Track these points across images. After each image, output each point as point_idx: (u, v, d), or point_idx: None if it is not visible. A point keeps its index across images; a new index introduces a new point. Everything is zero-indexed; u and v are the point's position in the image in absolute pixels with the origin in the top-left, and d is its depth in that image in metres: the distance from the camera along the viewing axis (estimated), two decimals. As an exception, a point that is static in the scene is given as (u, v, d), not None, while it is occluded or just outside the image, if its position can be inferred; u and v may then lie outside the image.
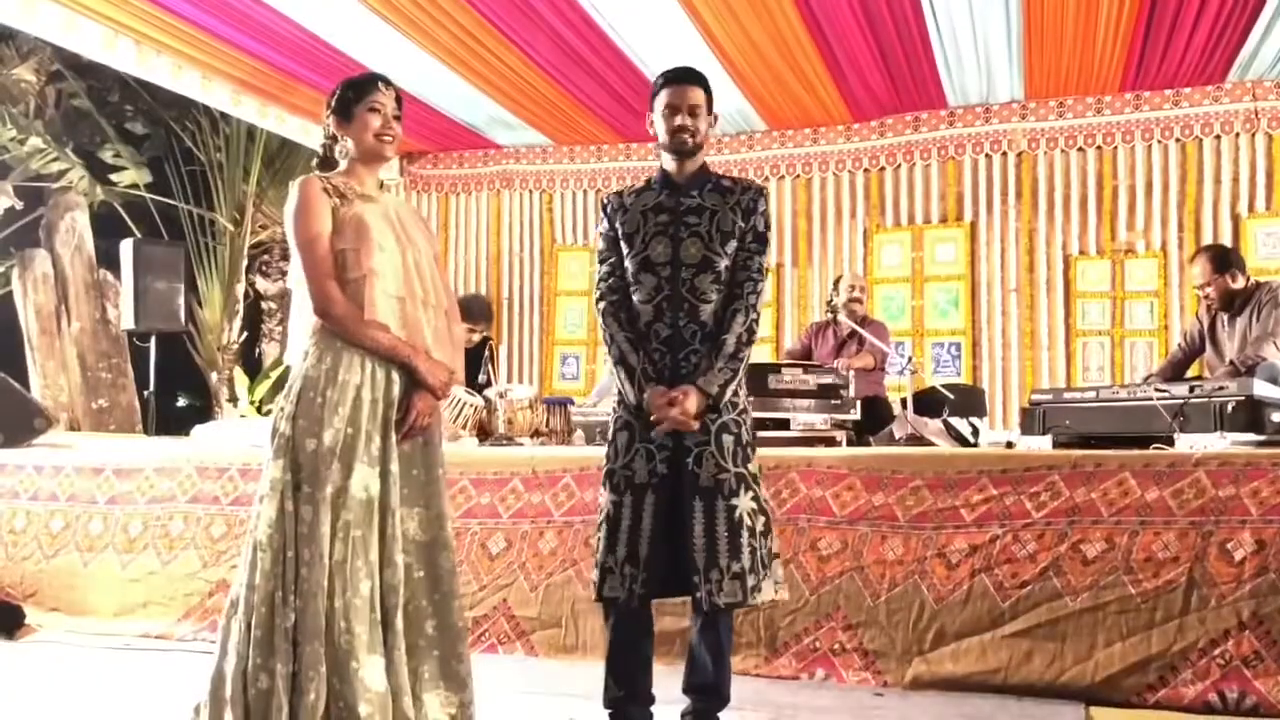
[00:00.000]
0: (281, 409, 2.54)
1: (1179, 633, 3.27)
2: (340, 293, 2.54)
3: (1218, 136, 6.77)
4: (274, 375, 9.90)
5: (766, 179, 7.81)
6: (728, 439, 2.68)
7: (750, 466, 2.71)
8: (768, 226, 2.81)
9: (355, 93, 2.69)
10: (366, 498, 2.49)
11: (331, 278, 2.54)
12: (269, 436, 2.53)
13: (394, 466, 2.55)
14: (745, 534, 2.64)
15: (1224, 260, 4.88)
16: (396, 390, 2.58)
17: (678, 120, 2.77)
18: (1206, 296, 4.89)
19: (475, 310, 5.69)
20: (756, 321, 2.76)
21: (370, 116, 2.67)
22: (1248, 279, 4.89)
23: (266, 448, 2.53)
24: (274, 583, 2.43)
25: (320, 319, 2.55)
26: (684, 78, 2.82)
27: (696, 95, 2.79)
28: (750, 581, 2.63)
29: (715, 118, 2.87)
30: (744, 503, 2.66)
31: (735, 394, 2.73)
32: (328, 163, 2.74)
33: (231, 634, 2.47)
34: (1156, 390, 4.08)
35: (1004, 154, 7.24)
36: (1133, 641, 3.30)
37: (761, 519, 2.70)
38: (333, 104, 2.71)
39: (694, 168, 2.83)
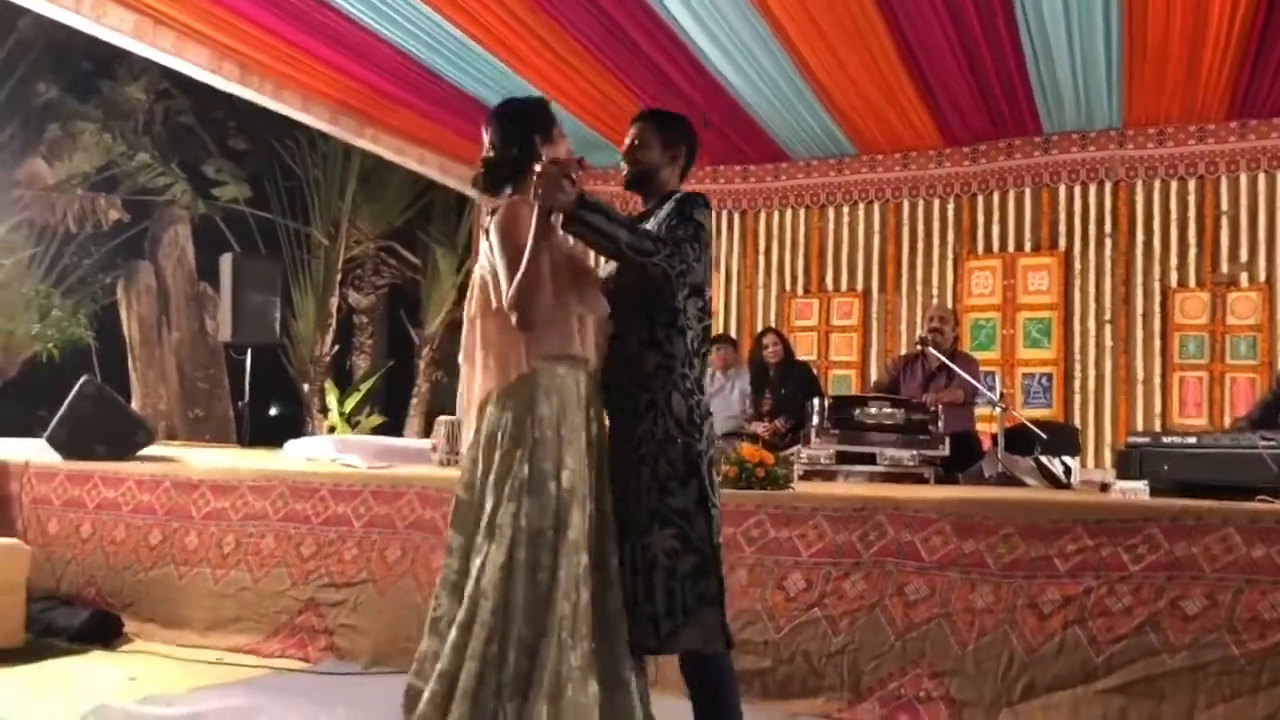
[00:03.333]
0: (508, 450, 2.38)
1: (1286, 698, 3.14)
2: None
3: (1330, 166, 6.54)
4: (364, 388, 10.09)
5: (855, 204, 7.75)
6: (645, 472, 2.52)
7: (673, 501, 2.50)
8: (679, 222, 2.59)
9: (550, 114, 2.54)
10: (583, 536, 2.39)
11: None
12: (491, 478, 2.39)
13: (598, 506, 2.45)
14: (661, 575, 2.48)
15: None
16: (594, 429, 2.51)
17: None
18: None
19: None
20: (652, 256, 2.45)
21: (565, 142, 2.53)
22: None
23: (486, 490, 2.39)
24: (492, 631, 2.30)
25: (520, 325, 2.35)
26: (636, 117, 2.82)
27: (634, 130, 2.78)
28: (665, 627, 2.48)
29: (678, 152, 2.83)
30: (659, 540, 2.49)
31: (657, 424, 2.54)
32: (492, 181, 2.53)
33: (436, 671, 2.34)
34: (1263, 438, 3.92)
35: (1101, 182, 7.08)
36: (1237, 704, 3.16)
37: (690, 559, 2.49)
38: (533, 120, 2.52)
39: (650, 203, 2.80)
